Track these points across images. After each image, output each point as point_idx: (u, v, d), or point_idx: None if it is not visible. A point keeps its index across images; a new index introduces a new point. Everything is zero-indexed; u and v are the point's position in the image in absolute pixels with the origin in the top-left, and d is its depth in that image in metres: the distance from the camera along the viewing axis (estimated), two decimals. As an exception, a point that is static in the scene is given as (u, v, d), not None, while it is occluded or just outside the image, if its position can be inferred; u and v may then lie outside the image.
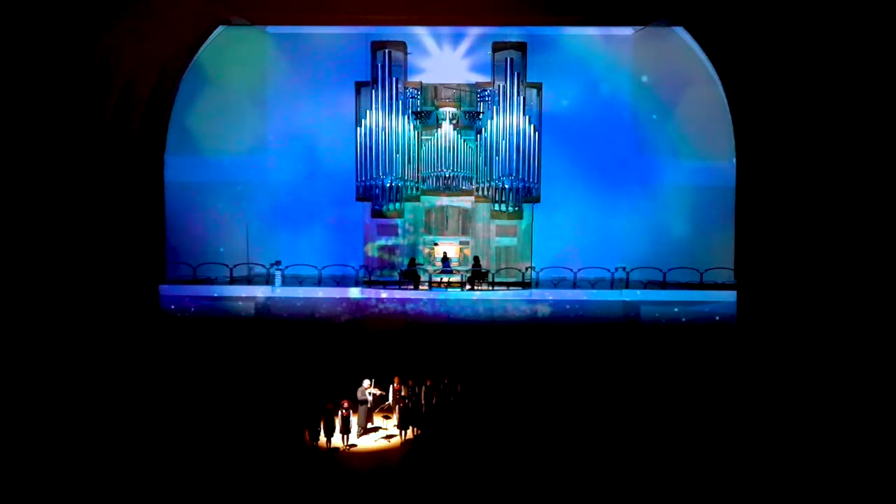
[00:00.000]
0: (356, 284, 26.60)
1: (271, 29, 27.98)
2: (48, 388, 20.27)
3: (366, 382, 19.43)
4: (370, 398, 19.45)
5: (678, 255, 26.90)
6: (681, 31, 26.89)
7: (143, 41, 23.36)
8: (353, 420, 18.76)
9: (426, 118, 27.70)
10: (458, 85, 27.96)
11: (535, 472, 16.89)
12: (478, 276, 26.42)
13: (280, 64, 28.09)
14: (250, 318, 25.90)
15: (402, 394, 19.81)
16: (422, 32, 27.82)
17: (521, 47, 27.39)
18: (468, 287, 26.23)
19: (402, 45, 27.58)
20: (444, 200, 28.08)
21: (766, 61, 23.36)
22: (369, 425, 19.54)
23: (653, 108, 27.72)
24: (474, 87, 27.82)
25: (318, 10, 25.44)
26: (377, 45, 27.31)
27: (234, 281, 26.67)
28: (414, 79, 27.80)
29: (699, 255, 26.83)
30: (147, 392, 21.25)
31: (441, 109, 27.56)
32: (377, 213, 27.82)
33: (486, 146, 27.18)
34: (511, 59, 26.95)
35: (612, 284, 26.52)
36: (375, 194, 27.27)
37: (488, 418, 19.74)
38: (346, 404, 18.66)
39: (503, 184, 27.07)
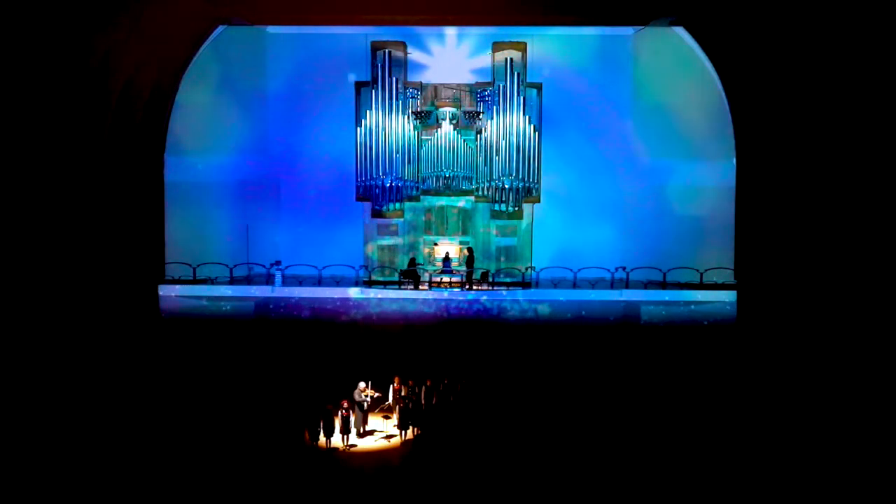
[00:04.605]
0: (356, 284, 26.59)
1: (271, 29, 27.98)
2: (47, 388, 20.25)
3: (361, 385, 19.36)
4: (368, 400, 19.41)
5: (678, 255, 26.85)
6: (681, 31, 26.86)
7: (144, 41, 23.35)
8: (353, 420, 18.74)
9: (426, 118, 27.70)
10: (458, 85, 27.97)
11: (535, 472, 16.88)
12: (471, 277, 26.33)
13: (280, 64, 28.10)
14: (250, 318, 25.88)
15: (402, 394, 19.79)
16: (422, 32, 27.84)
17: (521, 47, 27.40)
18: (468, 287, 26.21)
19: (402, 45, 27.59)
20: (444, 200, 28.08)
21: (766, 61, 23.35)
22: (369, 426, 19.52)
23: (653, 108, 27.66)
24: (474, 87, 27.83)
25: (318, 10, 25.41)
26: (377, 45, 27.33)
27: (233, 281, 26.64)
28: (414, 79, 27.81)
29: (699, 255, 26.80)
30: (146, 392, 21.24)
31: (441, 109, 27.55)
32: (377, 213, 27.83)
33: (486, 146, 27.16)
34: (511, 59, 26.94)
35: (612, 284, 26.48)
36: (375, 194, 27.25)
37: (488, 418, 19.73)
38: (345, 404, 18.63)
39: (503, 184, 27.05)
